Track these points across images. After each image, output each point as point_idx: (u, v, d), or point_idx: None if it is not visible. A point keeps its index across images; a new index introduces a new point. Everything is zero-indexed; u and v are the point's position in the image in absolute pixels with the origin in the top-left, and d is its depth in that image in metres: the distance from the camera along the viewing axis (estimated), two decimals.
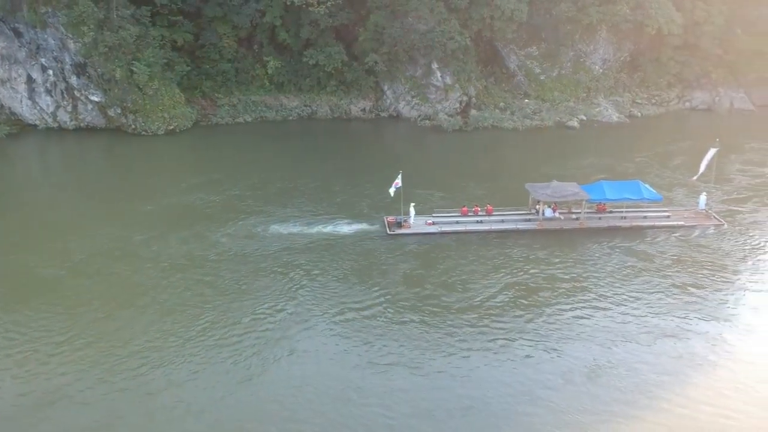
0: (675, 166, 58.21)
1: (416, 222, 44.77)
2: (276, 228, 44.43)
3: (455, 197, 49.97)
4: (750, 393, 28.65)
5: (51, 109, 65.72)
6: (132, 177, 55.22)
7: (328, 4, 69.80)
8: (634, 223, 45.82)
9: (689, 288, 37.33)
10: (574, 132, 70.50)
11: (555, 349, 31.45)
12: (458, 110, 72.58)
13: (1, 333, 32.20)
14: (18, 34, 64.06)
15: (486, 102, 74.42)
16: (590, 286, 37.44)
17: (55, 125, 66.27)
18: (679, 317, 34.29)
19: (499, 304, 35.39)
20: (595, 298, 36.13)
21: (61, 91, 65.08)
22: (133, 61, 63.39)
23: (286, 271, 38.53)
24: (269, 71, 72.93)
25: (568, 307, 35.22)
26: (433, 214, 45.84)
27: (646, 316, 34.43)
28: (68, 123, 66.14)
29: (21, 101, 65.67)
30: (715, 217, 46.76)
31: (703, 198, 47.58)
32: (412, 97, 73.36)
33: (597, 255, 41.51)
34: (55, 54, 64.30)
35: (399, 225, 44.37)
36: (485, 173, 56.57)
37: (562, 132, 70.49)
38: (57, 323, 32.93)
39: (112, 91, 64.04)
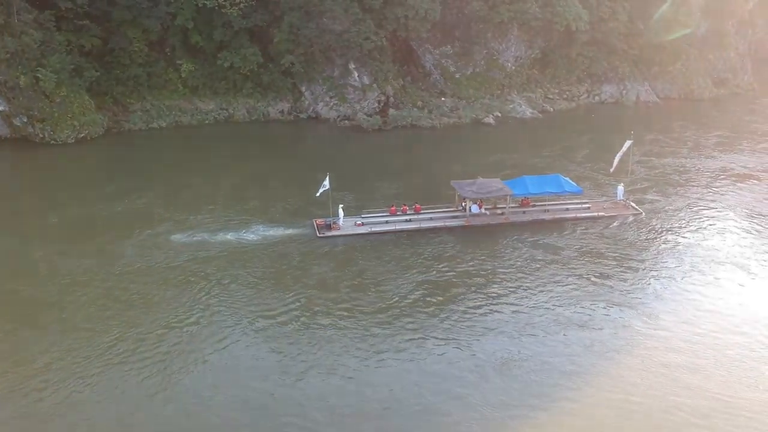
0: (588, 158, 60.44)
1: (346, 223, 44.74)
2: (187, 236, 43.15)
3: (380, 197, 50.26)
4: (655, 377, 29.88)
5: None
6: (37, 188, 52.74)
7: (241, 5, 68.88)
8: (556, 216, 47.32)
9: (598, 277, 38.72)
10: (490, 128, 72.10)
11: (468, 345, 31.97)
12: (377, 110, 72.97)
13: None
14: None
15: (404, 101, 75.08)
16: (502, 280, 38.34)
17: None
18: (587, 306, 35.48)
19: (413, 303, 35.70)
20: (508, 292, 37.02)
21: None
22: (38, 68, 60.78)
23: (195, 281, 37.55)
24: (183, 75, 71.25)
25: (483, 302, 35.92)
26: (362, 215, 45.91)
27: (559, 307, 35.45)
28: None
29: None
30: (633, 206, 48.79)
31: (620, 189, 49.59)
32: (331, 97, 73.26)
33: (516, 249, 42.56)
34: None
35: (329, 227, 44.16)
36: (407, 172, 56.96)
37: (478, 128, 71.95)
38: None
39: (16, 99, 61.09)
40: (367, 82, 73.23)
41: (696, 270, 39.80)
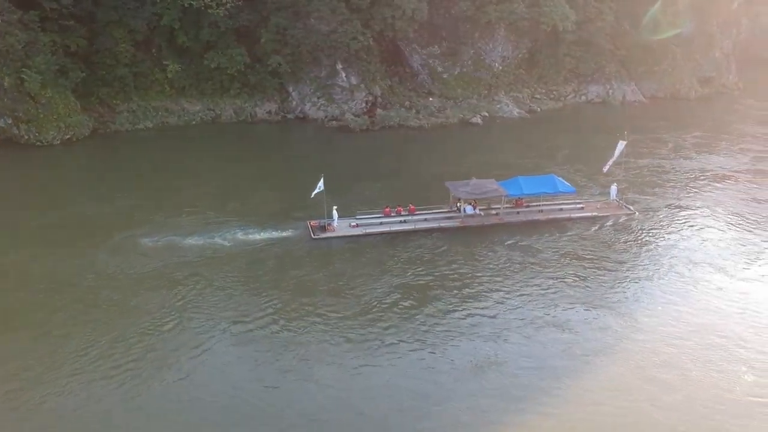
0: (576, 159, 60.45)
1: (340, 224, 44.56)
2: (174, 239, 42.54)
3: (372, 198, 50.12)
4: (626, 380, 29.98)
5: None
6: (17, 191, 51.82)
7: (228, 5, 68.79)
8: (550, 216, 47.48)
9: (588, 279, 38.81)
10: (477, 128, 72.35)
11: (445, 349, 31.71)
12: (365, 110, 73.09)
13: None
14: None
15: (392, 101, 75.22)
16: (488, 281, 38.30)
17: None
18: (569, 308, 35.50)
19: (391, 306, 35.30)
20: (491, 291, 37.09)
21: None
22: (23, 69, 60.39)
23: (173, 286, 36.87)
24: (169, 75, 71.03)
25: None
26: (357, 216, 45.80)
27: (540, 308, 35.45)
28: None
29: None
30: (626, 206, 49.06)
31: (613, 189, 49.87)
32: (318, 98, 73.30)
33: (509, 250, 42.52)
34: None
35: (323, 229, 44.00)
36: (397, 172, 56.84)
37: (466, 128, 72.17)
38: None
39: (1, 100, 60.63)
40: (355, 83, 73.30)
41: (677, 270, 39.87)
